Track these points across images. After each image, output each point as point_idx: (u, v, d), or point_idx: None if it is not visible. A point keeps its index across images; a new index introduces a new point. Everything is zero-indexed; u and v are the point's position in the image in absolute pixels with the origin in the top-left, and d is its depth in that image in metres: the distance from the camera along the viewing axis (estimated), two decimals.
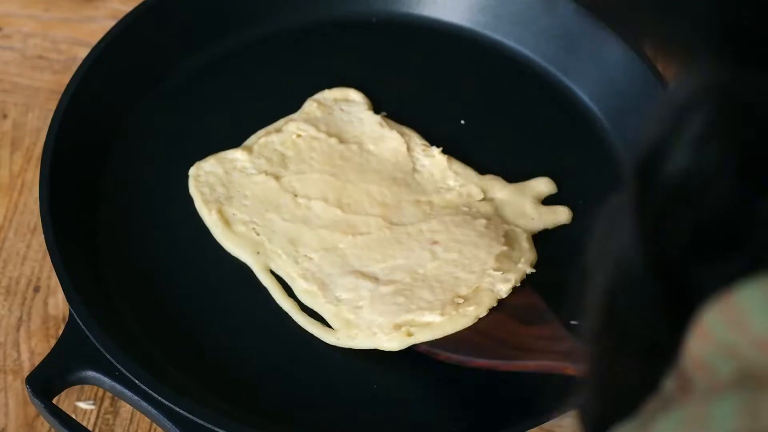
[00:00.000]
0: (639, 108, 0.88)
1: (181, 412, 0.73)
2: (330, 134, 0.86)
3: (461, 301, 0.78)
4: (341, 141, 0.86)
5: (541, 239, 0.84)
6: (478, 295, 0.79)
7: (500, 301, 0.79)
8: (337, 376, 0.79)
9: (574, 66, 0.92)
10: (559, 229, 0.85)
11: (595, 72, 0.91)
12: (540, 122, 0.90)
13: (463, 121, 0.90)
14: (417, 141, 0.87)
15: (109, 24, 0.88)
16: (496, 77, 0.92)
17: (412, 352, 0.79)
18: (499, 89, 0.92)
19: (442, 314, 0.78)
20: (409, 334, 0.78)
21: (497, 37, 0.93)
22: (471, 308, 0.78)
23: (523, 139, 0.90)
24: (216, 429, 0.73)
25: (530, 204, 0.85)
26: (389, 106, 0.90)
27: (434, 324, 0.78)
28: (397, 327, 0.78)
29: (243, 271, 0.83)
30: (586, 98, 0.91)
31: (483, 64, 0.92)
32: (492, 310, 0.79)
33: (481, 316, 0.78)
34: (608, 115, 0.90)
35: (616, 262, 0.43)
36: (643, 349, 0.44)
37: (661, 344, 0.42)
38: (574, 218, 0.85)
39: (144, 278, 0.82)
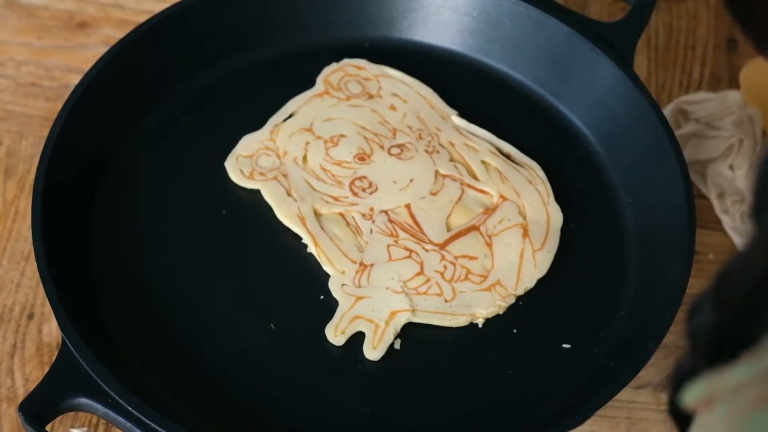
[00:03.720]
0: (631, 131, 0.88)
1: None
2: None
3: None
4: None
5: None
6: None
7: None
8: (330, 399, 0.79)
9: (567, 90, 0.92)
10: None
11: (587, 95, 0.91)
12: (533, 146, 0.90)
13: None
14: None
15: (102, 51, 0.88)
16: (488, 101, 0.92)
17: (403, 377, 0.79)
18: (491, 113, 0.92)
19: None
20: None
21: (489, 61, 0.94)
22: None
23: None
24: None
25: None
26: None
27: None
28: None
29: (237, 296, 0.83)
30: (578, 122, 0.91)
31: (475, 89, 0.92)
32: None
33: None
34: (601, 138, 0.90)
35: None
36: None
37: None
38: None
39: (137, 304, 0.82)
